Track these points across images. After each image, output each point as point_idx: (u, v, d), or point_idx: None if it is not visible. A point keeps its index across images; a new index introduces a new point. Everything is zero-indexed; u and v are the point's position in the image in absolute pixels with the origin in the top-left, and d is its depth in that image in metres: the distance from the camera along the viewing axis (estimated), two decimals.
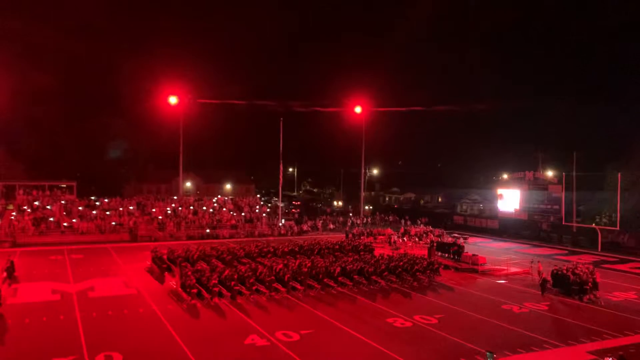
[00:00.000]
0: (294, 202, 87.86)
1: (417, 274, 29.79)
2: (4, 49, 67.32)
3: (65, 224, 47.29)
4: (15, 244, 42.24)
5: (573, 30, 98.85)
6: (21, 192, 53.55)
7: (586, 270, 27.19)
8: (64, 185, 57.45)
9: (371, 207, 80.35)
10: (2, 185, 54.07)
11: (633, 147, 55.82)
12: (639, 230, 45.20)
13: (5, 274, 28.73)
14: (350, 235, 47.99)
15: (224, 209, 56.96)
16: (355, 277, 28.20)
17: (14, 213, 47.94)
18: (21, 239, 43.21)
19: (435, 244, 38.69)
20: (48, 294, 25.63)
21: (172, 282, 27.83)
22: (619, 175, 42.21)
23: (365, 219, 62.99)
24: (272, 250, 35.14)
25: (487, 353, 15.02)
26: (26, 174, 65.69)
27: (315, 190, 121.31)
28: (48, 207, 50.39)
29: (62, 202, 52.21)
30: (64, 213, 49.60)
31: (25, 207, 49.59)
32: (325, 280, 27.38)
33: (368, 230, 50.34)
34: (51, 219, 47.69)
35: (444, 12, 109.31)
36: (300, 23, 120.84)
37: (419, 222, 58.05)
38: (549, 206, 51.14)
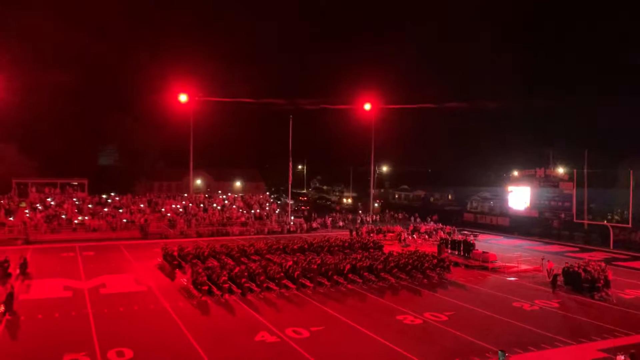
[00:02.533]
0: (300, 198, 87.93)
1: (427, 271, 29.73)
2: (17, 47, 67.99)
3: (76, 221, 47.70)
4: (28, 241, 42.66)
5: (585, 27, 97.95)
6: (34, 189, 54.06)
7: (598, 268, 27.01)
8: (76, 183, 57.90)
9: (380, 205, 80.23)
10: (15, 183, 54.61)
11: None
12: None
13: (18, 271, 29.11)
14: (354, 233, 47.84)
15: (234, 207, 57.15)
16: (365, 274, 28.21)
17: (26, 210, 48.44)
18: (34, 236, 43.62)
19: (445, 241, 38.57)
20: (60, 291, 25.88)
21: (183, 279, 27.99)
22: (631, 172, 41.78)
23: (374, 217, 62.90)
24: (281, 247, 35.26)
25: (499, 352, 14.95)
26: (38, 171, 66.28)
27: (324, 187, 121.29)
28: (58, 203, 50.83)
29: (74, 199, 52.68)
30: (76, 210, 50.04)
31: (37, 205, 50.08)
32: (335, 277, 27.41)
33: (377, 227, 50.26)
34: (63, 216, 48.13)
35: (455, 8, 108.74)
36: (309, 21, 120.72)
37: (429, 219, 57.88)
38: (560, 203, 50.72)
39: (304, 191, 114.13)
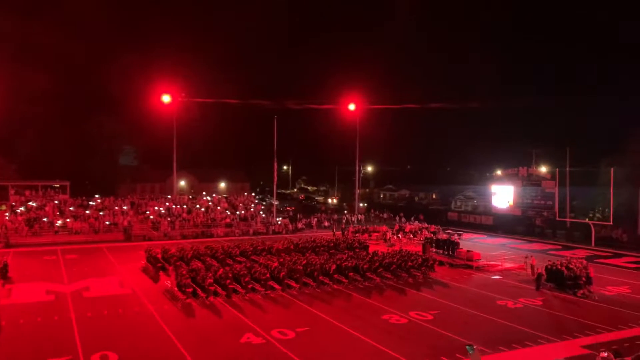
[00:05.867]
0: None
1: (412, 270, 29.86)
2: None
3: (58, 224, 47.06)
4: (8, 244, 41.95)
5: (565, 25, 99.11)
6: (13, 192, 53.22)
7: (580, 265, 27.33)
8: (57, 185, 57.13)
9: (366, 204, 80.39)
10: None
11: (626, 142, 56.10)
12: (632, 225, 45.43)
13: None
14: (338, 233, 47.90)
15: (219, 208, 56.84)
16: (350, 274, 28.24)
17: (7, 214, 47.66)
18: (15, 240, 42.91)
19: (430, 241, 38.76)
20: (42, 295, 25.50)
21: (167, 282, 27.79)
22: (612, 170, 42.41)
23: (360, 216, 63.01)
24: (267, 248, 35.14)
25: (467, 347, 14.78)
26: (19, 174, 65.28)
27: (309, 188, 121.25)
28: (39, 206, 50.10)
29: (56, 202, 51.96)
30: (58, 213, 49.37)
31: (20, 208, 49.27)
32: (320, 277, 27.40)
33: (363, 227, 50.35)
34: (45, 219, 47.44)
35: (438, 8, 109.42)
36: (293, 21, 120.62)
37: (414, 218, 58.13)
38: (542, 202, 51.25)
39: (289, 191, 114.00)
